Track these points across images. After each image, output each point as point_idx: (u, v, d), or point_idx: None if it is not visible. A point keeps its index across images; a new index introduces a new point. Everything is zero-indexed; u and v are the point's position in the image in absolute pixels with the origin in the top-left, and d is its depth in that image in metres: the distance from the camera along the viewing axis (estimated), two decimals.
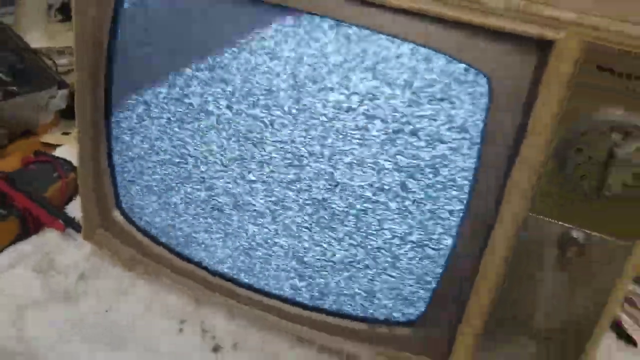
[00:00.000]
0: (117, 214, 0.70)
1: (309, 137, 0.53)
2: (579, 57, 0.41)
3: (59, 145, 0.93)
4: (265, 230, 0.60)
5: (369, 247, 0.56)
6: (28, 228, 0.76)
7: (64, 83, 0.95)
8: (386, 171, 0.52)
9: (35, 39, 1.11)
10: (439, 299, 0.56)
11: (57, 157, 0.85)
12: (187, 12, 0.55)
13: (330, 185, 0.54)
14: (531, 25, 0.41)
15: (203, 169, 0.60)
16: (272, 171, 0.57)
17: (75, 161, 0.71)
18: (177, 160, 0.62)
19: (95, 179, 0.69)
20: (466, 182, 0.50)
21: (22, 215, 0.75)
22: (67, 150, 0.89)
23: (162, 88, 0.59)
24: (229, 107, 0.56)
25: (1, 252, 0.73)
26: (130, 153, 0.65)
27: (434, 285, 0.56)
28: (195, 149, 0.60)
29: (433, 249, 0.54)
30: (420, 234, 0.54)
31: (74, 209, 0.79)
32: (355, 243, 0.57)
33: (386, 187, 0.53)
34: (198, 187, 0.62)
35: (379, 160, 0.52)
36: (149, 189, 0.66)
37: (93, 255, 0.75)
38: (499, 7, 0.41)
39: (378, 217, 0.54)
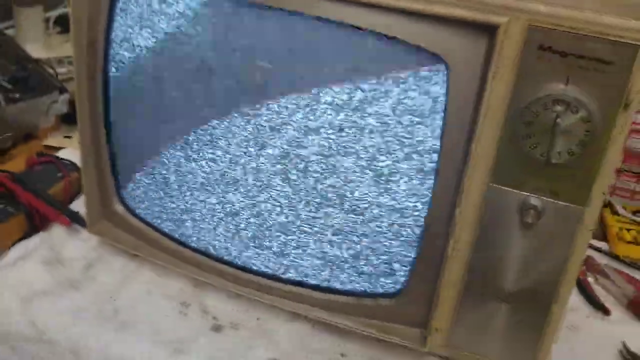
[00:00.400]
0: (118, 206, 0.74)
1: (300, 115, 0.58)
2: (522, 39, 0.45)
3: (61, 148, 0.96)
4: (258, 211, 0.64)
5: (351, 220, 0.60)
6: (35, 224, 0.78)
7: (65, 89, 0.99)
8: (359, 145, 0.56)
9: (35, 50, 1.13)
10: (419, 270, 0.60)
11: (60, 158, 0.89)
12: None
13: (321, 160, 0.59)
14: (479, 12, 0.46)
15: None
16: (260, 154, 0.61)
17: (77, 162, 0.74)
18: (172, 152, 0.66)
19: (97, 174, 0.72)
20: (435, 154, 0.54)
21: (30, 212, 0.77)
22: (70, 152, 0.92)
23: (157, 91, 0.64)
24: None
25: (11, 247, 0.76)
26: (128, 148, 0.69)
27: (414, 255, 0.60)
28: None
29: (410, 222, 0.58)
30: (398, 204, 0.58)
31: (77, 206, 0.82)
32: (338, 218, 0.61)
33: (362, 160, 0.57)
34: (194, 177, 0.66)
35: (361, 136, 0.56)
36: (147, 181, 0.70)
37: (97, 247, 0.78)
38: None
39: (357, 191, 0.58)
